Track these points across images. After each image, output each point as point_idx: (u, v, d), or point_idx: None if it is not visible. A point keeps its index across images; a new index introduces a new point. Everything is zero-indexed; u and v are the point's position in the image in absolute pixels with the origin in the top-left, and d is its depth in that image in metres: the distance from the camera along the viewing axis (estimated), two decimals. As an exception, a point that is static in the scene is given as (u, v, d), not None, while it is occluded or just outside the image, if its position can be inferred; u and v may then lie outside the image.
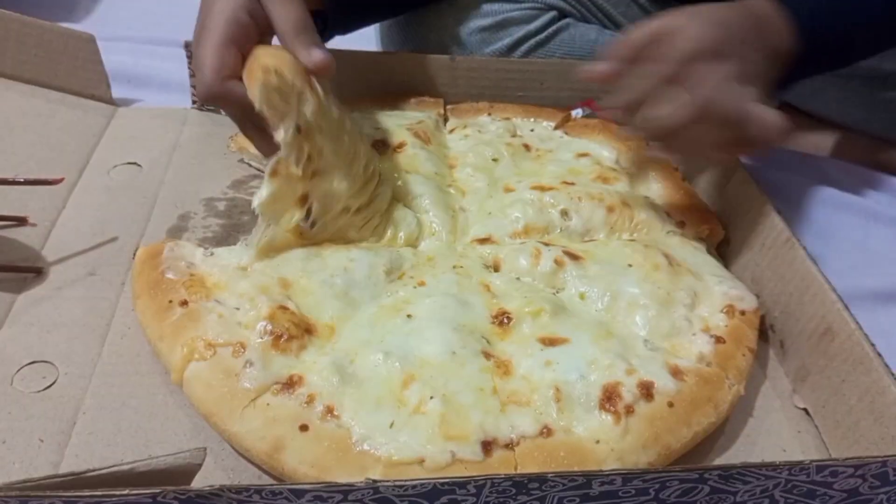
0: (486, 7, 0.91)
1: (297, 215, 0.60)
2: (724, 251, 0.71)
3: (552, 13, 0.94)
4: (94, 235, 0.66)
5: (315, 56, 0.59)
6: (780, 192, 0.83)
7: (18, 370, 0.54)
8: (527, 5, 0.93)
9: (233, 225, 0.69)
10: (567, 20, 0.95)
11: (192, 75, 0.82)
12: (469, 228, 0.68)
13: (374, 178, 0.64)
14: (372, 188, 0.64)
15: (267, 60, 0.56)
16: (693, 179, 0.77)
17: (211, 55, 0.58)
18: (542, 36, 0.93)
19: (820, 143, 1.00)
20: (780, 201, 0.78)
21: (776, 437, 0.56)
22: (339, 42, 0.88)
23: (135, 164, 0.75)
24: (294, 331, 0.52)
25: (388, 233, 0.65)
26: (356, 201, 0.62)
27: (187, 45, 0.80)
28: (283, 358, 0.51)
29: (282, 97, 0.56)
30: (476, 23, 0.91)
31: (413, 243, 0.65)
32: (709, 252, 0.68)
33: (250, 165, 0.76)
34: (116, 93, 0.85)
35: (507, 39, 0.92)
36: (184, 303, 0.54)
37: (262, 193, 0.57)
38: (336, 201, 0.61)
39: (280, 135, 0.56)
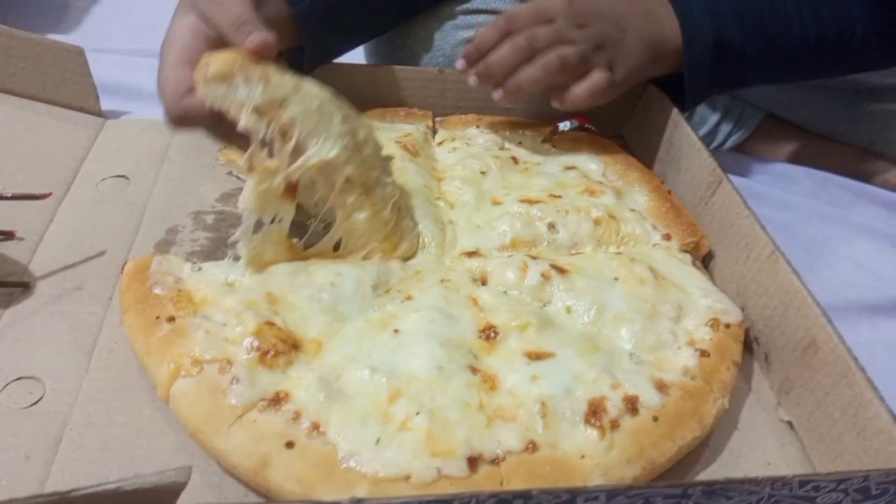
0: (472, 18, 0.91)
1: (288, 211, 0.59)
2: (709, 263, 0.71)
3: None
4: (82, 249, 0.66)
5: (252, 39, 0.57)
6: (765, 204, 0.83)
7: (5, 386, 0.54)
8: None
9: (221, 238, 0.69)
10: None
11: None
12: (457, 241, 0.68)
13: (369, 144, 0.62)
14: (370, 158, 0.61)
15: (203, 59, 0.56)
16: (678, 192, 0.77)
17: (165, 78, 0.59)
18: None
19: (804, 153, 1.01)
20: (765, 213, 0.79)
21: (760, 450, 0.56)
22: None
23: (123, 176, 0.76)
24: (281, 346, 0.52)
25: (394, 236, 0.64)
26: (357, 170, 0.60)
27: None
28: (270, 374, 0.51)
29: (226, 84, 0.55)
30: (462, 34, 0.91)
31: (410, 256, 0.66)
32: (694, 264, 0.68)
33: (239, 178, 0.76)
34: (105, 105, 0.85)
35: None
36: (171, 318, 0.54)
37: (244, 191, 0.57)
38: (334, 171, 0.59)
39: (242, 121, 0.55)
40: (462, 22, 0.92)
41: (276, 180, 0.57)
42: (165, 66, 0.59)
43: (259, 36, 0.57)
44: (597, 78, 0.71)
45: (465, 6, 0.92)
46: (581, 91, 0.71)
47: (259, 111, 0.55)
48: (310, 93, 0.57)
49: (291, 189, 0.58)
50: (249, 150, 0.56)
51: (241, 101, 0.55)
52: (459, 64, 0.73)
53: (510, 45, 0.70)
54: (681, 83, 0.76)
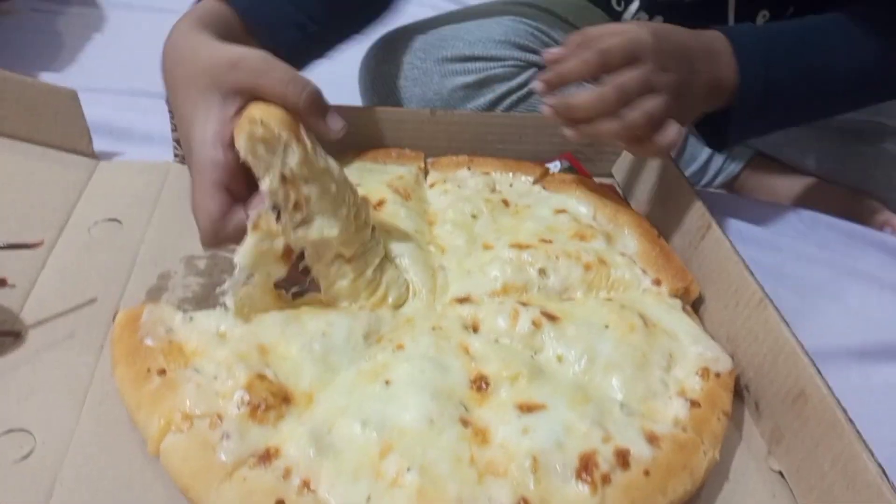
0: (470, 65, 0.93)
1: (279, 271, 0.60)
2: (699, 308, 0.72)
3: (533, 69, 0.96)
4: (74, 296, 0.66)
5: (334, 124, 0.62)
6: (754, 246, 0.84)
7: (-4, 439, 0.54)
8: (510, 63, 0.96)
9: (213, 284, 0.69)
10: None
11: (174, 129, 0.83)
12: (448, 287, 0.69)
13: (367, 226, 0.64)
14: (364, 237, 0.64)
15: (254, 112, 0.57)
16: (668, 235, 0.78)
17: (202, 206, 0.59)
18: (524, 91, 0.95)
19: (793, 192, 1.02)
20: (754, 255, 0.79)
21: (752, 501, 0.57)
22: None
23: (115, 220, 0.76)
24: (271, 400, 0.52)
25: (379, 291, 0.65)
26: (348, 249, 0.62)
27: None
28: (261, 429, 0.51)
29: (267, 148, 0.56)
30: (460, 79, 0.93)
31: (400, 304, 0.66)
32: (684, 310, 0.69)
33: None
34: (98, 145, 0.85)
35: (489, 95, 0.95)
36: (162, 371, 0.54)
37: (244, 246, 0.57)
38: (327, 248, 0.61)
39: (265, 184, 0.57)
40: (461, 68, 0.94)
41: (276, 243, 0.58)
42: (199, 188, 0.59)
43: (312, 89, 0.60)
44: (673, 133, 0.67)
45: (465, 53, 0.94)
46: (659, 147, 0.68)
47: (284, 180, 0.57)
48: (332, 175, 0.60)
49: (288, 253, 0.59)
50: (259, 210, 0.57)
51: (271, 165, 0.56)
52: (538, 87, 0.69)
53: (599, 97, 0.66)
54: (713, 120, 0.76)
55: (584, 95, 0.67)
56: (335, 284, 0.63)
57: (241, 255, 0.57)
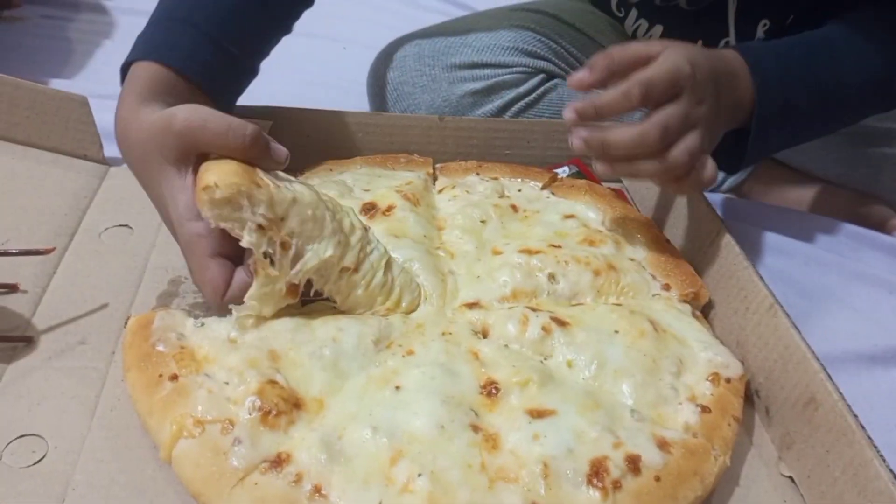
0: (478, 72, 0.94)
1: (289, 302, 0.61)
2: (709, 313, 0.72)
3: (541, 76, 0.96)
4: (85, 302, 0.66)
5: (277, 154, 0.60)
6: (763, 250, 0.84)
7: (7, 444, 0.54)
8: (517, 69, 0.96)
9: (223, 290, 0.69)
10: (555, 81, 0.97)
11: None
12: (458, 292, 0.69)
13: (355, 229, 0.63)
14: (359, 240, 0.63)
15: (207, 177, 0.56)
16: (677, 240, 0.78)
17: (201, 277, 0.59)
18: (532, 97, 0.95)
19: (801, 196, 1.02)
20: (763, 260, 0.79)
21: (762, 507, 0.57)
22: (330, 103, 0.90)
23: (126, 226, 0.76)
24: (283, 406, 0.52)
25: (394, 294, 0.65)
26: (350, 259, 0.62)
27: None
28: (272, 434, 0.51)
29: (232, 206, 0.56)
30: (468, 86, 0.93)
31: (413, 309, 0.66)
32: (694, 315, 0.69)
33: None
34: (108, 151, 0.85)
35: (497, 102, 0.95)
36: (174, 377, 0.54)
37: (250, 292, 0.58)
38: (330, 268, 0.61)
39: (245, 240, 0.57)
40: (469, 75, 0.95)
41: (278, 285, 0.59)
42: (195, 262, 0.59)
43: (251, 131, 0.58)
44: (711, 169, 0.65)
45: (473, 60, 0.94)
46: (699, 186, 0.66)
47: (261, 229, 0.57)
48: (304, 201, 0.59)
49: (293, 288, 0.60)
50: (252, 260, 0.58)
51: (243, 221, 0.56)
52: (569, 116, 0.64)
53: (641, 137, 0.63)
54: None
55: (624, 134, 0.63)
56: (350, 297, 0.63)
57: (249, 297, 0.58)
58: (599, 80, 0.64)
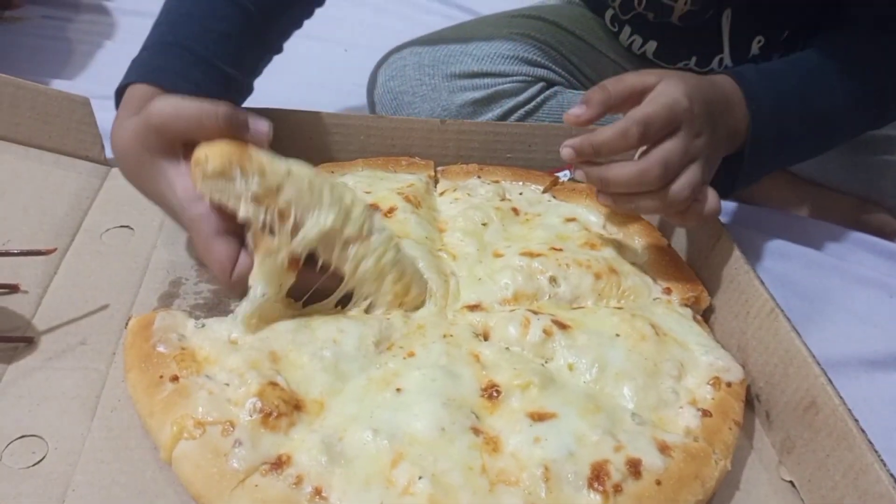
0: (478, 81, 0.94)
1: (289, 280, 0.60)
2: (709, 317, 0.72)
3: (541, 84, 0.96)
4: (86, 303, 0.66)
5: (257, 127, 0.60)
6: (764, 254, 0.84)
7: (8, 445, 0.54)
8: (518, 78, 0.96)
9: (224, 291, 0.69)
10: (555, 88, 0.98)
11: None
12: (459, 294, 0.69)
13: (357, 205, 0.62)
14: (361, 216, 0.62)
15: (198, 153, 0.57)
16: (678, 244, 0.78)
17: (208, 257, 0.60)
18: (531, 105, 0.96)
19: (803, 201, 1.02)
20: (764, 263, 0.80)
21: (763, 511, 0.56)
22: (332, 105, 0.90)
23: (127, 227, 0.76)
24: (283, 408, 0.52)
25: (405, 278, 0.64)
26: (352, 227, 0.61)
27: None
28: (272, 436, 0.51)
29: (225, 179, 0.57)
30: (468, 95, 0.93)
31: (419, 305, 0.66)
32: (694, 319, 0.69)
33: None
34: (110, 152, 0.85)
35: (497, 110, 0.95)
36: (174, 378, 0.54)
37: (254, 269, 0.58)
38: (334, 237, 0.60)
39: (242, 212, 0.57)
40: (469, 84, 0.95)
41: (279, 257, 0.58)
42: (201, 244, 0.60)
43: (263, 124, 0.59)
44: (714, 202, 0.65)
45: (473, 69, 0.94)
46: (703, 218, 0.66)
47: (257, 199, 0.57)
48: (300, 174, 0.59)
49: (295, 262, 0.60)
50: (252, 233, 0.58)
51: (238, 194, 0.57)
52: (567, 154, 0.64)
53: (640, 174, 0.62)
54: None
55: (623, 171, 0.63)
56: (359, 269, 0.62)
57: (253, 277, 0.58)
58: (596, 115, 0.64)
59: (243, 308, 0.59)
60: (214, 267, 0.60)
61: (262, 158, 0.58)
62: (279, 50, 0.81)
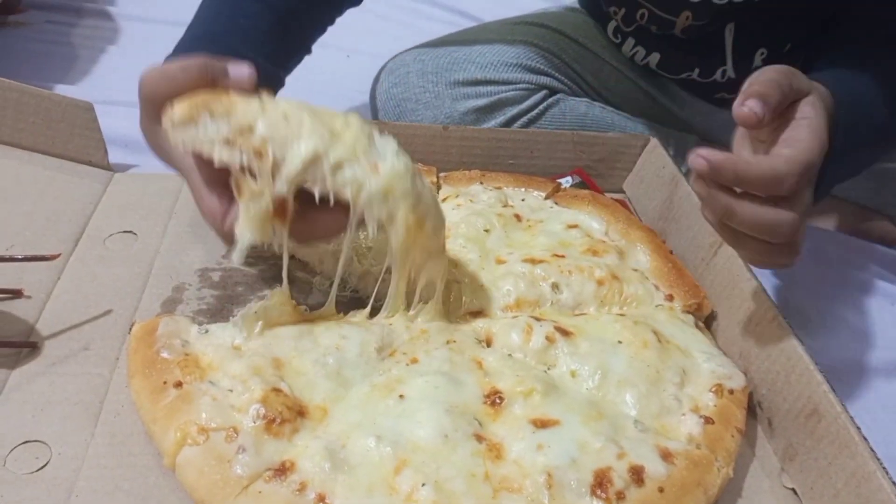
0: (481, 88, 0.94)
1: (281, 230, 0.57)
2: (711, 324, 0.72)
3: (543, 91, 0.97)
4: (89, 308, 0.66)
5: (237, 72, 0.58)
6: (767, 262, 0.84)
7: (11, 450, 0.54)
8: (520, 86, 0.97)
9: (227, 296, 0.69)
10: (558, 96, 0.98)
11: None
12: (462, 301, 0.69)
13: (351, 127, 0.56)
14: (355, 140, 0.56)
15: (166, 106, 0.55)
16: (680, 251, 0.78)
17: (202, 207, 0.59)
18: (534, 113, 0.96)
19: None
20: (766, 271, 0.79)
21: (765, 519, 0.57)
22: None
23: (130, 232, 0.76)
24: (287, 414, 0.53)
25: (420, 206, 0.58)
26: (342, 152, 0.55)
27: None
28: (276, 442, 0.51)
29: (194, 124, 0.54)
30: (471, 103, 0.94)
31: (441, 246, 0.62)
32: (697, 326, 0.69)
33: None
34: (113, 158, 0.86)
35: (500, 118, 0.96)
36: (178, 384, 0.54)
37: (239, 220, 0.55)
38: (314, 165, 0.54)
39: (216, 156, 0.54)
40: (472, 91, 0.95)
41: (264, 201, 0.54)
42: (196, 194, 0.60)
43: (195, 62, 0.57)
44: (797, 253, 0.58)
45: (476, 77, 0.95)
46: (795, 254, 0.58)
47: (230, 142, 0.54)
48: (276, 107, 0.55)
49: (282, 208, 0.56)
50: (234, 179, 0.55)
51: (211, 139, 0.54)
52: (700, 166, 0.52)
53: (774, 224, 0.54)
54: None
55: (758, 214, 0.54)
56: (361, 194, 0.55)
57: (238, 226, 0.55)
58: (770, 120, 0.55)
59: (235, 259, 0.56)
60: (207, 219, 0.59)
61: (235, 99, 0.55)
62: (308, 50, 0.82)
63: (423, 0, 1.56)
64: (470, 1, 1.58)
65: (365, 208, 0.56)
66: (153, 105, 0.59)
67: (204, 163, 0.57)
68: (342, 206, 0.56)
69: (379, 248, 0.70)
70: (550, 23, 1.07)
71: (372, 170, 0.55)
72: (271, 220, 0.56)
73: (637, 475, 0.52)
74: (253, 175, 0.54)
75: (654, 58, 1.01)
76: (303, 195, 0.56)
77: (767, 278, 0.65)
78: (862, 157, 0.74)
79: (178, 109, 0.54)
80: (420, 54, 1.01)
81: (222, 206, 0.58)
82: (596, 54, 1.08)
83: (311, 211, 0.56)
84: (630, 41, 1.03)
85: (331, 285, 0.63)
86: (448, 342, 0.63)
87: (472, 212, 0.79)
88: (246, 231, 0.55)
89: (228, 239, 0.57)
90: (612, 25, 1.04)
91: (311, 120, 0.55)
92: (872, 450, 0.52)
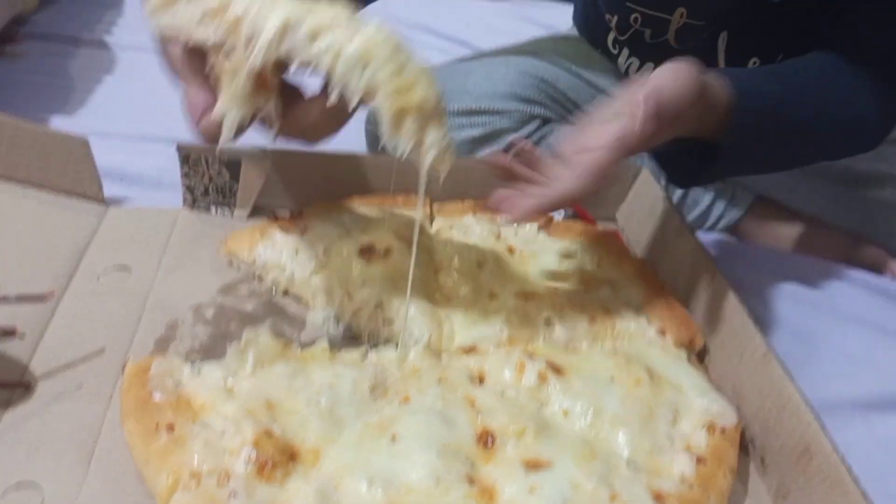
0: (476, 118, 0.95)
1: (267, 103, 0.57)
2: (704, 357, 0.72)
3: (537, 121, 0.98)
4: (82, 346, 0.66)
5: None
6: (756, 293, 0.85)
7: (4, 493, 0.54)
8: (514, 116, 0.97)
9: (220, 334, 0.69)
10: (552, 125, 0.99)
11: (183, 175, 0.84)
12: (454, 337, 0.69)
13: (344, 11, 0.55)
14: (330, 7, 0.54)
15: None
16: (671, 282, 0.78)
17: (187, 104, 0.58)
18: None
19: (797, 237, 1.03)
20: (757, 302, 0.80)
21: (758, 558, 0.57)
22: (328, 145, 0.90)
23: (124, 267, 0.76)
24: (279, 457, 0.53)
25: (406, 71, 0.55)
26: (316, 19, 0.53)
27: (179, 149, 0.82)
28: (268, 487, 0.51)
29: (171, 9, 0.54)
30: (466, 133, 0.94)
31: (432, 110, 0.60)
32: (689, 360, 0.69)
33: (240, 269, 0.77)
34: (108, 191, 0.86)
35: (496, 148, 0.96)
36: (170, 427, 0.54)
37: (220, 99, 0.55)
38: (290, 30, 0.52)
39: (193, 37, 0.54)
40: (467, 122, 0.96)
41: (242, 76, 0.54)
42: (184, 83, 0.59)
43: None
44: None
45: (471, 107, 0.95)
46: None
47: (206, 19, 0.53)
48: None
49: (262, 81, 0.55)
50: (210, 62, 0.55)
51: (189, 19, 0.53)
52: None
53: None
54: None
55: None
56: (342, 54, 0.52)
57: (220, 105, 0.55)
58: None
59: (222, 141, 0.56)
60: (190, 109, 0.58)
61: None
62: None
63: (419, 28, 1.57)
64: (465, 29, 1.59)
65: (344, 79, 0.53)
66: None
67: (194, 59, 0.57)
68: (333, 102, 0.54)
69: (371, 280, 0.70)
70: (544, 52, 1.08)
71: (351, 37, 0.53)
72: (254, 96, 0.55)
73: (629, 518, 0.52)
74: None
75: (648, 68, 1.02)
76: (289, 92, 0.56)
77: (758, 310, 0.65)
78: (778, 150, 0.77)
79: None
80: None
81: (205, 103, 0.57)
82: (589, 83, 1.09)
83: (299, 104, 0.57)
84: (625, 52, 1.04)
85: (324, 321, 0.64)
86: (440, 379, 0.63)
87: (465, 245, 0.79)
88: (230, 107, 0.55)
89: (204, 133, 0.57)
90: (610, 37, 1.06)
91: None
92: (864, 490, 0.52)
